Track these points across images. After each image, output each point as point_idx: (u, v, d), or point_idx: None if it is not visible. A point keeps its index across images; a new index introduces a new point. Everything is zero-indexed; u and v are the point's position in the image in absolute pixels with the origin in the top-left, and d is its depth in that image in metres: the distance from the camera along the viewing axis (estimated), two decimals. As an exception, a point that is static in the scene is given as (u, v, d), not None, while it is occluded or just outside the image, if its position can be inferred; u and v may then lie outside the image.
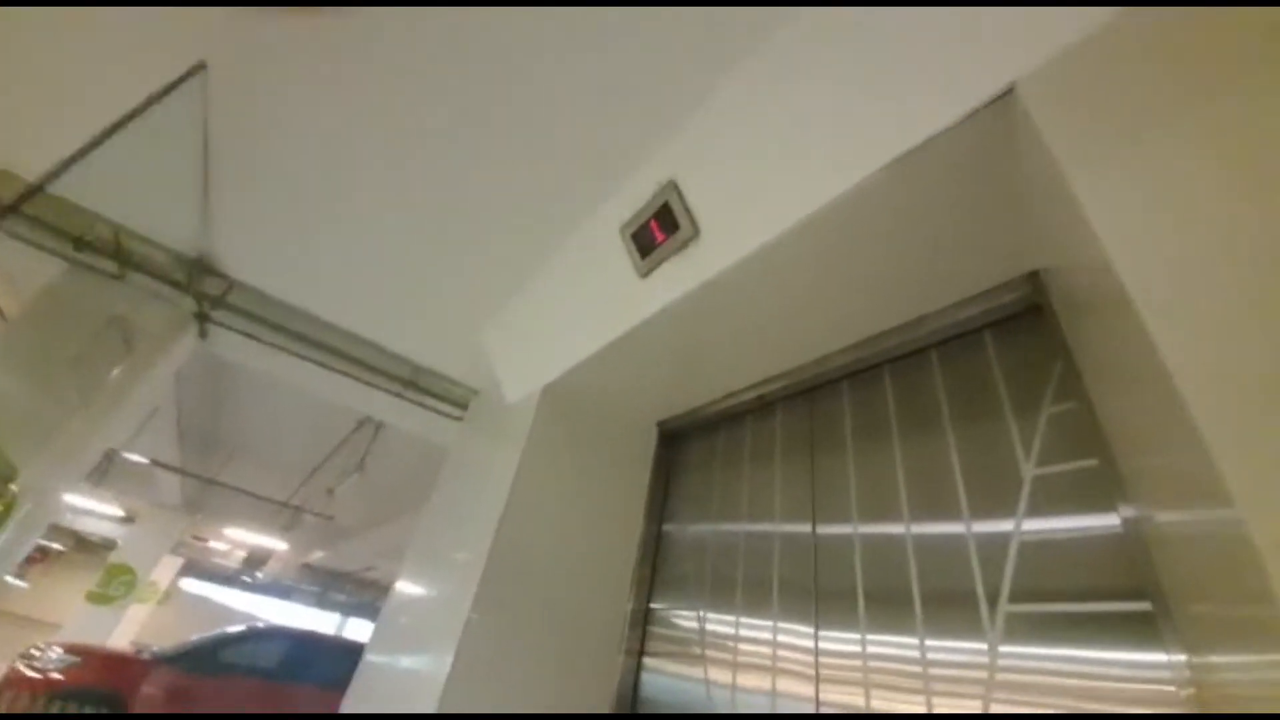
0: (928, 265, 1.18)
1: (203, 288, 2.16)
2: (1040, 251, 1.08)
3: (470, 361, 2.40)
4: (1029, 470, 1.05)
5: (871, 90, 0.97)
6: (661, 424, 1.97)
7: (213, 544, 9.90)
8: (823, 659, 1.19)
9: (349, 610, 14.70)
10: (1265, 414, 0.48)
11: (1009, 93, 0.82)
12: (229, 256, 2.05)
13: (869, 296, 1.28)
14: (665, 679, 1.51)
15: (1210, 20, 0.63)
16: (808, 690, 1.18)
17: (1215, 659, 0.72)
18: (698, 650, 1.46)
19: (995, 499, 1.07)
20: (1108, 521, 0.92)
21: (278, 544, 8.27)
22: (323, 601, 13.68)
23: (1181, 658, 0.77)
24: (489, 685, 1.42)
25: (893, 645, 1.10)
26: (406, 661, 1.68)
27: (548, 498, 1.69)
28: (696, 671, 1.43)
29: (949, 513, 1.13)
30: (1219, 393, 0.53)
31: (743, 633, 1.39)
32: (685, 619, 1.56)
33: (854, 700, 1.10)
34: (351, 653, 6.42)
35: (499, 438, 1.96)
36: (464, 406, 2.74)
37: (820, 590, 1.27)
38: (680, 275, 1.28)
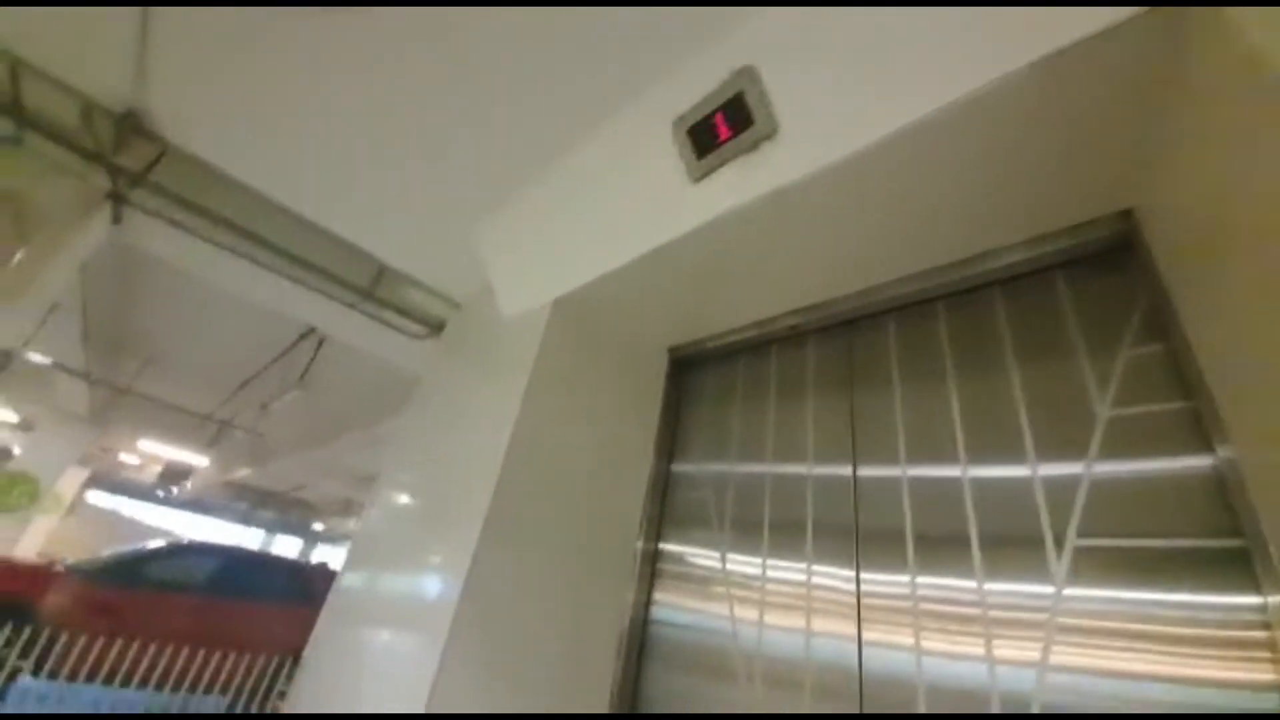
0: (1021, 193, 1.07)
1: (121, 159, 1.76)
2: (1145, 185, 1.00)
3: (452, 267, 2.13)
4: (1104, 411, 1.01)
5: None
6: (673, 350, 1.83)
7: (124, 457, 9.16)
8: (865, 600, 1.16)
9: (275, 528, 14.35)
10: None
11: None
12: (166, 113, 1.65)
13: (941, 225, 1.17)
14: (681, 614, 1.47)
15: None
16: (849, 629, 1.16)
17: None
18: (721, 590, 1.41)
19: (1065, 440, 1.04)
20: (1197, 463, 0.90)
21: (199, 459, 7.73)
22: (247, 519, 13.23)
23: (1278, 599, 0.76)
24: (498, 618, 1.33)
25: (946, 587, 1.07)
26: (400, 588, 1.56)
27: (556, 427, 1.54)
28: (719, 609, 1.39)
29: (1012, 455, 1.09)
30: None
31: (770, 574, 1.34)
32: (703, 558, 1.50)
33: (902, 640, 1.08)
34: (289, 570, 6.27)
35: (494, 358, 1.77)
36: (434, 325, 2.48)
37: (862, 532, 1.23)
38: (746, 179, 1.11)
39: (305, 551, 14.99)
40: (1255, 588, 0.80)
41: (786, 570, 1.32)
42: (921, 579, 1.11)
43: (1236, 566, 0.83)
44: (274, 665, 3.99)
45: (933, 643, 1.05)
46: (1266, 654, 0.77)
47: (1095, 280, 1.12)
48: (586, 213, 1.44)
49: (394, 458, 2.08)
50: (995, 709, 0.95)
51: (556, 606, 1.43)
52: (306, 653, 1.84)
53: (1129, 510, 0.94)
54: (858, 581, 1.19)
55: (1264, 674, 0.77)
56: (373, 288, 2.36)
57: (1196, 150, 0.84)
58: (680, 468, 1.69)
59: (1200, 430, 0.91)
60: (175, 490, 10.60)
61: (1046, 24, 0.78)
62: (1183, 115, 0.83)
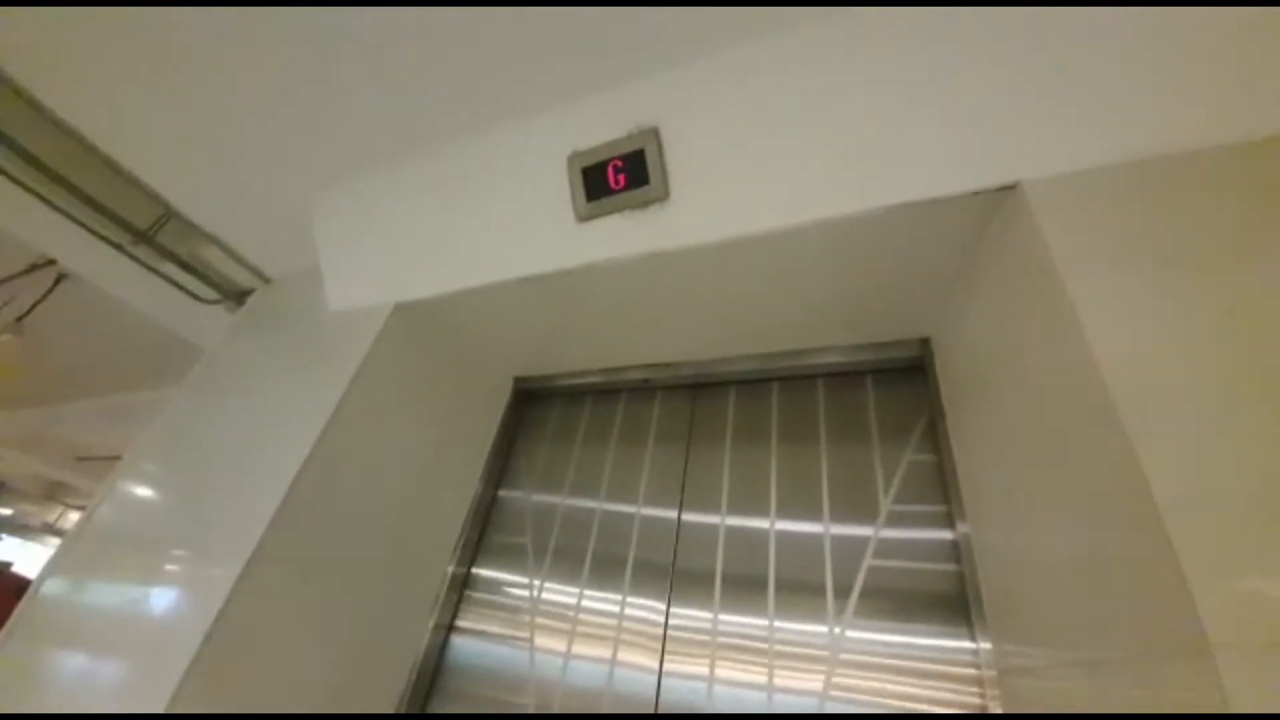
0: (851, 307, 1.28)
1: None
2: (942, 322, 1.26)
3: (269, 236, 1.83)
4: (886, 504, 1.24)
5: (893, 131, 0.97)
6: (519, 380, 1.80)
7: None
8: (671, 632, 1.26)
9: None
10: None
11: (1014, 187, 0.90)
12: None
13: (785, 319, 1.35)
14: (484, 644, 1.43)
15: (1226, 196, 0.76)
16: (651, 661, 1.24)
17: (1011, 647, 0.95)
18: (527, 619, 1.41)
19: (856, 517, 1.25)
20: (944, 539, 1.16)
21: None
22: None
23: (988, 645, 1.00)
24: (260, 648, 1.15)
25: (742, 624, 1.21)
26: (131, 606, 1.25)
27: (374, 439, 1.40)
28: (521, 636, 1.39)
29: (812, 517, 1.28)
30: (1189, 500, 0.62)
31: (585, 604, 1.38)
32: (516, 587, 1.48)
33: (699, 670, 1.19)
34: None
35: (312, 350, 1.56)
36: (231, 294, 2.10)
37: (678, 571, 1.33)
38: (629, 235, 1.15)
39: (-29, 543, 11.28)
40: (975, 638, 1.05)
41: (602, 601, 1.37)
42: (723, 615, 1.24)
43: (960, 621, 1.07)
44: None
45: (725, 672, 1.18)
46: (975, 687, 1.02)
47: (895, 390, 1.37)
48: (452, 217, 1.36)
49: (151, 441, 1.69)
50: (767, 734, 1.09)
51: (339, 637, 1.28)
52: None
53: (894, 573, 1.17)
54: (667, 615, 1.28)
55: (973, 698, 1.01)
56: (153, 231, 1.92)
57: (981, 308, 1.07)
58: (508, 496, 1.66)
59: (951, 524, 1.16)
60: None
61: (910, 178, 0.95)
62: (980, 276, 1.06)
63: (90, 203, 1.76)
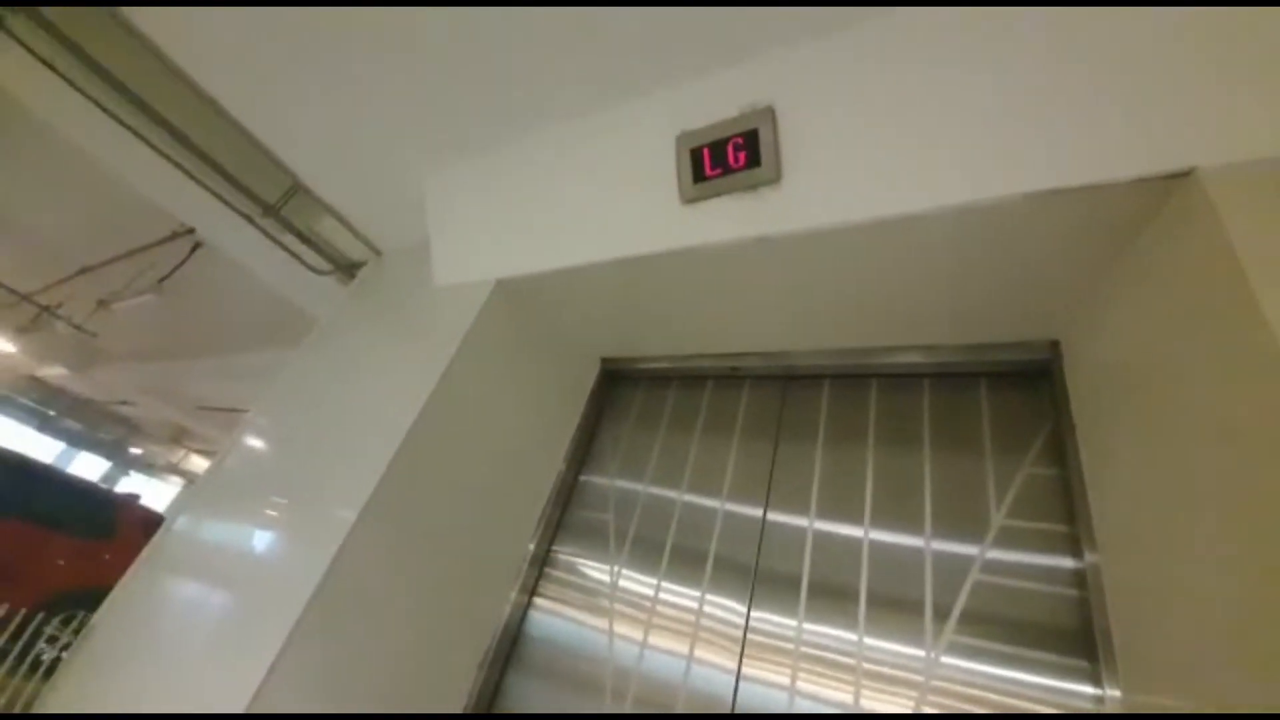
0: (968, 302, 1.17)
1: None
2: (1077, 324, 1.13)
3: (383, 211, 1.93)
4: (999, 518, 1.14)
5: (1038, 112, 0.88)
6: (607, 361, 1.80)
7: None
8: (751, 635, 1.21)
9: (79, 442, 12.27)
10: None
11: (1188, 174, 0.79)
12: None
13: (897, 311, 1.25)
14: (560, 622, 1.44)
15: None
16: (730, 662, 1.20)
17: (1145, 698, 0.84)
18: (606, 603, 1.41)
19: (962, 532, 1.15)
20: (1065, 566, 1.04)
21: (2, 344, 6.38)
22: (47, 425, 11.17)
23: (1117, 693, 0.89)
24: (361, 603, 1.21)
25: (829, 635, 1.15)
26: (253, 549, 1.37)
27: (471, 411, 1.45)
28: (600, 622, 1.38)
29: (911, 528, 1.19)
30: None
31: (663, 596, 1.36)
32: (595, 570, 1.49)
33: (779, 679, 1.14)
34: (88, 495, 5.32)
35: (417, 322, 1.63)
36: (343, 265, 2.25)
37: (760, 572, 1.28)
38: (737, 218, 1.11)
39: (112, 476, 12.96)
40: (1096, 682, 0.93)
41: (680, 596, 1.34)
42: (808, 624, 1.18)
43: (1082, 660, 0.97)
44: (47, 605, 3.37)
45: (807, 685, 1.12)
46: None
47: (1014, 395, 1.25)
48: (556, 196, 1.37)
49: (272, 400, 1.85)
50: (853, 756, 1.02)
51: (428, 599, 1.34)
52: (115, 593, 1.57)
53: (1003, 598, 1.06)
54: (747, 617, 1.24)
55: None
56: (280, 205, 2.09)
57: (1132, 310, 0.95)
58: (589, 478, 1.67)
59: (1074, 548, 1.04)
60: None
61: (1057, 161, 0.85)
62: (1128, 276, 0.94)
63: (227, 177, 1.94)
